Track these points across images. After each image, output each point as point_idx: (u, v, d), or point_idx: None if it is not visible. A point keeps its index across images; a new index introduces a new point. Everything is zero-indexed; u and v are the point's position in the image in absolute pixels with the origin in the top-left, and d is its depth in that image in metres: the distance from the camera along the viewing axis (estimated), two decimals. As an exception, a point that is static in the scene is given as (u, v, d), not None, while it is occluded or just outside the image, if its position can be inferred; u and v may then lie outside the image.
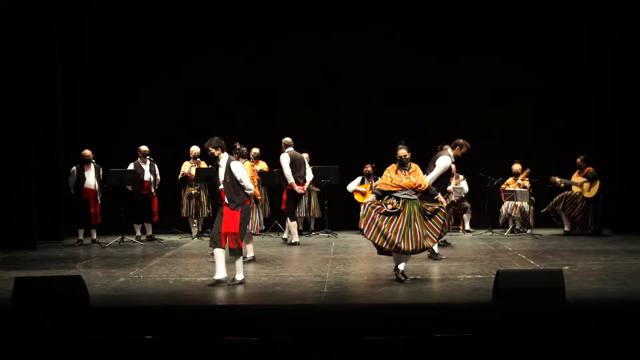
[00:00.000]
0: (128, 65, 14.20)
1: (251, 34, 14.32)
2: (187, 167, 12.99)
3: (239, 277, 8.42)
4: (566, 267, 9.02)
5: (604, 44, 13.60)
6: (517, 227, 13.32)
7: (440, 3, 14.23)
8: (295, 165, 12.09)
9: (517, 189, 13.00)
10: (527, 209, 13.16)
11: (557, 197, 13.07)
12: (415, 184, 8.38)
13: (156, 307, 7.26)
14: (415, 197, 8.38)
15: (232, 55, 14.33)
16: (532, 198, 13.27)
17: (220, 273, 8.39)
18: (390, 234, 8.16)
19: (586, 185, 12.93)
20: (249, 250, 10.33)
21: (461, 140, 10.38)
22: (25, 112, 12.29)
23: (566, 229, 13.05)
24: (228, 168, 8.39)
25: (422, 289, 7.94)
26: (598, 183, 12.88)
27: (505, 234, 13.13)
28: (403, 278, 8.38)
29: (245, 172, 8.51)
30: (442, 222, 8.38)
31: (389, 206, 8.26)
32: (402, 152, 8.50)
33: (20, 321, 6.35)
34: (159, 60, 14.28)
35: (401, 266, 8.43)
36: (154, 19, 14.10)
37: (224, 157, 8.44)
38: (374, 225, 8.21)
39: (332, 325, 6.48)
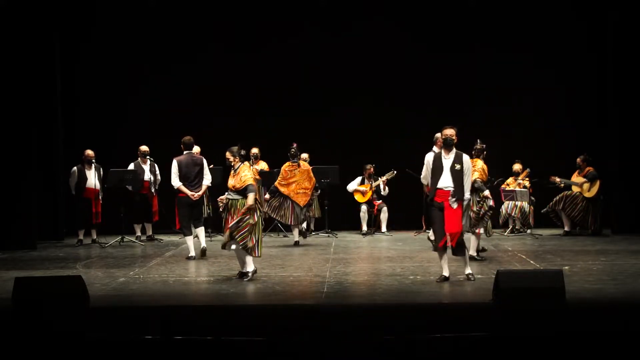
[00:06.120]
0: (128, 65, 14.18)
1: (251, 34, 14.29)
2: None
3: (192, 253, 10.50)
4: (566, 267, 9.02)
5: (604, 44, 13.59)
6: (517, 227, 13.32)
7: (439, 2, 14.21)
8: None
9: (517, 189, 12.99)
10: (527, 209, 13.16)
11: (557, 197, 13.07)
12: (232, 186, 8.71)
13: (156, 307, 7.27)
14: (236, 197, 8.64)
15: (232, 55, 14.30)
16: (532, 198, 13.27)
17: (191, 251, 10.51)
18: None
19: (586, 185, 12.93)
20: (295, 235, 12.15)
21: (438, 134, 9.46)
22: (25, 113, 12.29)
23: (566, 229, 13.05)
24: None
25: (422, 289, 7.93)
26: (598, 183, 12.88)
27: (505, 234, 13.13)
28: (246, 278, 8.58)
29: (174, 169, 10.52)
30: (246, 222, 8.51)
31: (220, 204, 8.86)
32: (227, 154, 8.86)
33: (20, 321, 6.35)
34: (160, 60, 14.25)
35: (249, 267, 8.66)
36: (154, 18, 14.07)
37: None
38: None
39: (332, 325, 6.48)
